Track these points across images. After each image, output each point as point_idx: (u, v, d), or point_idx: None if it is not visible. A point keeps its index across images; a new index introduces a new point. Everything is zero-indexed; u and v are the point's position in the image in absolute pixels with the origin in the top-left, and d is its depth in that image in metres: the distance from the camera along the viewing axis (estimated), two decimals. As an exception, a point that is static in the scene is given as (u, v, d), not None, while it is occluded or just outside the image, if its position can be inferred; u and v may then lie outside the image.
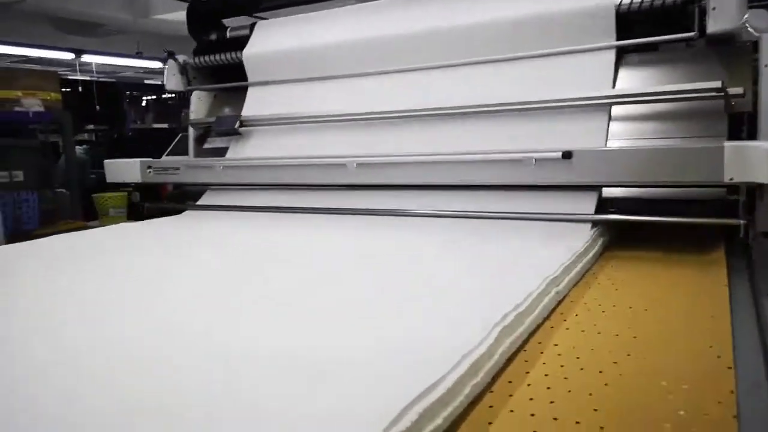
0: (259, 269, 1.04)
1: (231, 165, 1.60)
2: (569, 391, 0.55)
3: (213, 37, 1.87)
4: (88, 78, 7.66)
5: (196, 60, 1.86)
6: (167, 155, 1.87)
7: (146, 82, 9.11)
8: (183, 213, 1.69)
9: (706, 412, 0.49)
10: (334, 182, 1.45)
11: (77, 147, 5.67)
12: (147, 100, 9.47)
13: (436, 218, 1.27)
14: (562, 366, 0.60)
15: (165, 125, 8.16)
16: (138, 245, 1.30)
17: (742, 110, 1.14)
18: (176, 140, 1.93)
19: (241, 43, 1.79)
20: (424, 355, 0.57)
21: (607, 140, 1.21)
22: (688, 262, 1.01)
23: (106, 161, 1.91)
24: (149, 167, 1.73)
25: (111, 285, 0.95)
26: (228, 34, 1.85)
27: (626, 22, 1.26)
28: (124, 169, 1.80)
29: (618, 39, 1.28)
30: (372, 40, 1.55)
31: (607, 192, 1.16)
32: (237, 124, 1.68)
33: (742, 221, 1.02)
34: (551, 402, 0.53)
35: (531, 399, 0.54)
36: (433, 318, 0.71)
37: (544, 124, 1.26)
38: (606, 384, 0.56)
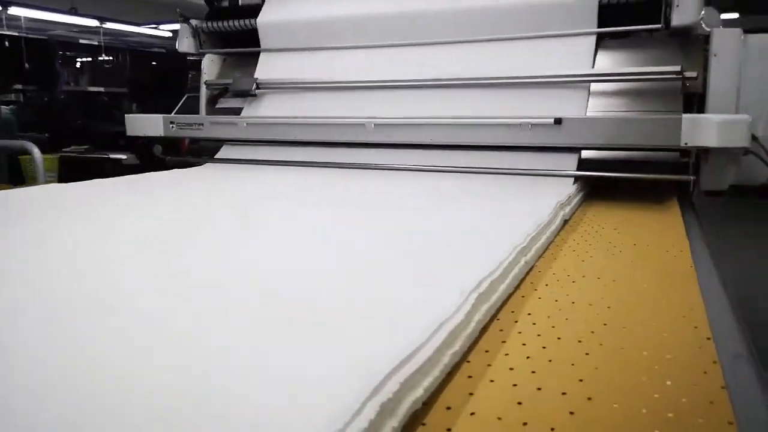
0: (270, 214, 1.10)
1: (255, 122, 1.76)
2: (550, 361, 0.52)
3: (225, 3, 2.02)
4: (16, 34, 7.14)
5: (208, 25, 1.96)
6: (176, 113, 1.96)
7: (81, 41, 8.57)
8: (203, 165, 1.82)
9: (693, 382, 0.47)
10: (353, 140, 1.62)
11: (2, 106, 5.30)
12: (82, 61, 8.95)
13: (446, 173, 1.49)
14: (538, 335, 0.57)
15: (101, 89, 7.75)
16: (176, 191, 1.42)
17: (695, 91, 1.40)
18: (183, 100, 2.05)
19: (252, 10, 1.90)
20: (400, 322, 0.52)
21: (586, 111, 1.44)
22: (649, 232, 1.01)
23: (127, 115, 1.99)
24: (172, 122, 1.85)
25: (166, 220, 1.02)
26: (240, 2, 2.01)
27: (606, 12, 1.51)
28: (146, 123, 1.91)
29: (599, 27, 1.52)
30: (381, 15, 1.73)
31: (585, 154, 1.40)
32: (254, 86, 1.82)
33: (692, 177, 1.30)
34: (533, 372, 0.49)
35: (511, 369, 0.50)
36: (412, 278, 0.69)
37: (536, 95, 1.50)
38: (587, 353, 0.53)
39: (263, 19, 1.87)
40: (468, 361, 0.52)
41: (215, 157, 1.85)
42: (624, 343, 0.55)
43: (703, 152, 1.31)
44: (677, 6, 1.40)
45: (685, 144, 1.25)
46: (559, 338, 0.57)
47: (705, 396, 0.45)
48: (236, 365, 0.45)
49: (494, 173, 1.44)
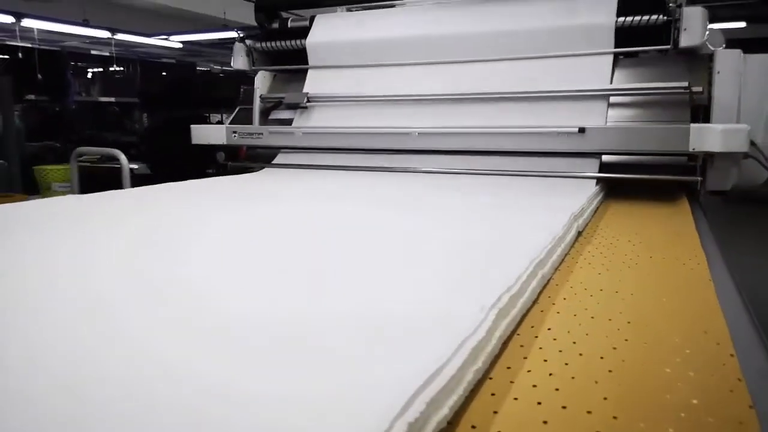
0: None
1: (311, 132, 1.97)
2: (573, 378, 0.51)
3: (275, 25, 2.24)
4: (29, 45, 7.23)
5: (261, 45, 2.21)
6: (229, 123, 2.15)
7: (93, 52, 8.68)
8: (263, 170, 1.99)
9: (719, 401, 0.47)
10: (399, 147, 1.83)
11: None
12: (93, 71, 9.04)
13: (483, 175, 1.69)
14: (560, 351, 0.57)
15: (112, 99, 7.82)
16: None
17: (700, 103, 1.57)
18: (235, 112, 2.22)
19: (299, 32, 2.13)
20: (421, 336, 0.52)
21: (606, 121, 1.63)
22: (664, 243, 1.00)
23: (193, 126, 2.16)
24: (234, 132, 2.05)
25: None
26: (289, 24, 2.22)
27: (622, 34, 1.69)
28: (210, 133, 2.12)
29: (615, 47, 1.70)
30: (416, 37, 1.94)
31: (606, 158, 1.59)
32: (305, 100, 2.02)
33: (699, 178, 1.49)
34: (556, 389, 0.49)
35: (534, 386, 0.50)
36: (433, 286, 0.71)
37: (562, 107, 1.68)
38: (610, 371, 0.52)
39: (312, 40, 2.09)
40: (491, 378, 0.51)
41: (273, 162, 2.04)
42: (646, 359, 0.55)
43: (709, 156, 1.49)
44: (685, 29, 1.58)
45: (693, 149, 1.45)
46: (580, 354, 0.56)
47: (733, 416, 0.44)
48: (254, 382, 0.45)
49: (524, 175, 1.63)
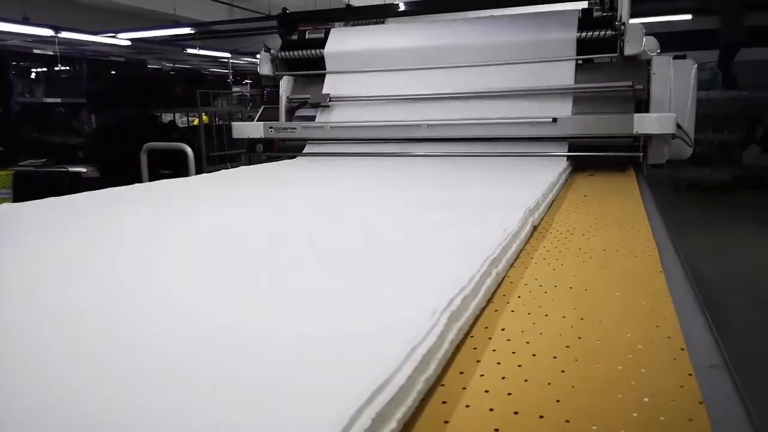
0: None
1: (338, 125, 2.34)
2: (526, 381, 0.50)
3: (294, 37, 2.61)
4: (-35, 44, 6.89)
5: (283, 54, 2.57)
6: (257, 121, 2.50)
7: (36, 51, 8.32)
8: (295, 158, 2.35)
9: (671, 397, 0.46)
10: (410, 136, 2.21)
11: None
12: (37, 71, 8.69)
13: (477, 157, 2.07)
14: (513, 353, 0.56)
15: (58, 99, 7.53)
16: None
17: (641, 97, 2.04)
18: (261, 110, 2.61)
19: (316, 43, 2.50)
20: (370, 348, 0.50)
21: (572, 112, 2.06)
22: (617, 236, 1.01)
23: (234, 123, 2.53)
24: (271, 128, 2.41)
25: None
26: (307, 36, 2.59)
27: (581, 45, 2.15)
28: (250, 128, 2.46)
29: (577, 55, 2.15)
30: (418, 47, 2.36)
31: (572, 142, 2.02)
32: (327, 99, 2.39)
33: (641, 154, 1.95)
34: (509, 394, 0.48)
35: (486, 391, 0.49)
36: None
37: (538, 102, 2.12)
38: (563, 371, 0.52)
39: (329, 50, 2.47)
40: (443, 385, 0.50)
41: (303, 152, 2.40)
42: (599, 357, 0.54)
43: (648, 137, 1.96)
44: (628, 41, 2.03)
45: (636, 132, 1.91)
46: (534, 355, 0.55)
47: (683, 413, 0.44)
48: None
49: (511, 156, 2.04)
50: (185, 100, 5.79)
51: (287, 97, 2.53)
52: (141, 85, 5.65)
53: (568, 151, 1.99)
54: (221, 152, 6.08)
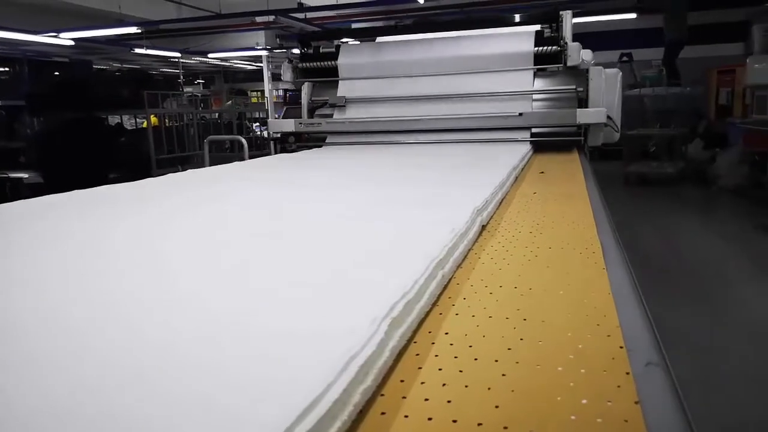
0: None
1: (355, 121, 2.97)
2: (466, 386, 0.49)
3: (310, 51, 3.20)
4: None
5: (303, 64, 3.17)
6: (281, 118, 3.28)
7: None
8: (323, 148, 2.95)
9: (608, 398, 0.46)
10: (411, 129, 2.84)
11: None
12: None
13: (461, 144, 2.71)
14: (455, 357, 0.55)
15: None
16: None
17: (582, 97, 2.69)
18: (284, 110, 3.57)
19: (328, 56, 3.12)
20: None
21: (532, 108, 2.74)
22: (564, 233, 1.02)
23: (269, 120, 3.47)
24: (300, 123, 3.05)
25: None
26: (321, 50, 3.21)
27: (537, 58, 2.80)
28: (284, 124, 3.14)
29: (534, 65, 2.80)
30: (414, 60, 2.99)
31: (534, 130, 2.68)
32: (344, 101, 3.01)
33: (582, 138, 2.60)
34: (448, 401, 0.47)
35: (426, 400, 0.48)
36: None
37: (507, 101, 2.77)
38: (503, 375, 0.51)
39: (341, 61, 3.09)
40: (382, 395, 0.49)
41: (326, 142, 3.04)
42: (540, 359, 0.54)
43: (587, 126, 2.65)
44: (569, 56, 2.65)
45: (579, 123, 2.60)
46: (476, 359, 0.55)
47: (619, 414, 0.44)
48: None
49: (488, 142, 2.68)
50: (132, 101, 5.61)
51: (311, 99, 3.17)
52: (85, 86, 5.44)
53: (531, 137, 2.66)
54: (171, 155, 5.91)
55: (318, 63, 3.13)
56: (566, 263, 0.86)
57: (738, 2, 8.65)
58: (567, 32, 2.70)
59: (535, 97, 2.77)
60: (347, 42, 3.58)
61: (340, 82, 3.10)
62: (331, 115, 3.05)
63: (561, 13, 2.75)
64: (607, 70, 2.71)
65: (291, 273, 0.75)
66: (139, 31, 6.55)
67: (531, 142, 2.60)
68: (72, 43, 7.82)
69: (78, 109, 4.73)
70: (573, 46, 2.64)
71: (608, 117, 2.61)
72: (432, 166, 1.91)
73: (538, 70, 2.81)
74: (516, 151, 2.13)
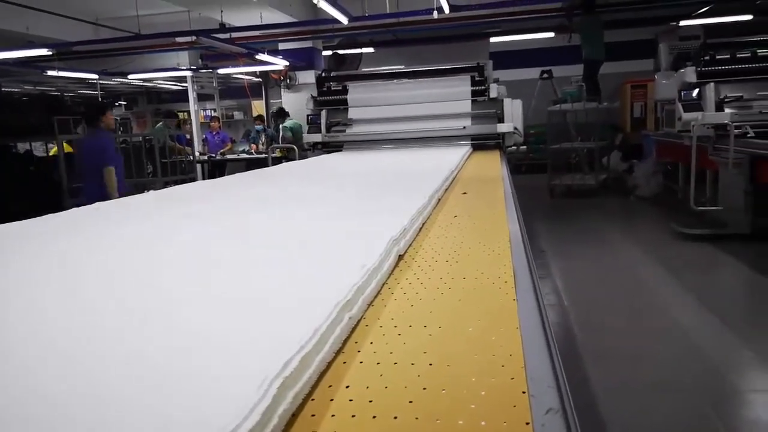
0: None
1: (365, 132, 4.86)
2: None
3: (325, 88, 5.05)
4: None
5: (320, 98, 5.03)
6: (307, 133, 5.06)
7: None
8: (342, 152, 4.79)
9: (505, 453, 0.45)
10: (394, 138, 4.78)
11: None
12: None
13: (425, 147, 4.53)
14: (353, 416, 0.52)
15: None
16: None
17: (500, 116, 4.69)
18: (308, 127, 5.02)
19: (340, 91, 4.99)
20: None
21: (471, 124, 4.67)
22: (480, 260, 1.01)
23: (305, 134, 5.11)
24: (325, 135, 4.91)
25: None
26: (332, 87, 5.08)
27: (473, 92, 4.76)
28: (315, 137, 4.97)
29: (471, 96, 4.76)
30: (396, 95, 4.93)
31: (472, 138, 4.69)
32: (351, 122, 4.87)
33: (501, 140, 4.66)
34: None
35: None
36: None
37: (454, 120, 4.67)
38: (399, 435, 0.49)
39: (351, 96, 4.93)
40: (313, 399, 0.45)
41: (344, 148, 4.84)
42: (440, 412, 0.52)
43: (503, 135, 4.63)
44: (491, 91, 4.70)
45: (498, 133, 4.63)
46: (374, 417, 0.52)
47: (514, 474, 0.42)
48: None
49: (440, 146, 4.48)
50: (41, 127, 5.28)
51: (329, 121, 4.94)
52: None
53: (471, 141, 4.56)
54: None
55: (336, 97, 4.96)
56: (478, 295, 0.85)
57: (646, 21, 9.22)
58: (489, 75, 4.78)
59: (472, 116, 4.68)
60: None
61: (350, 109, 4.93)
62: (343, 131, 4.94)
63: (483, 64, 4.79)
64: (514, 100, 4.69)
65: (179, 323, 0.70)
66: (50, 53, 6.22)
67: (471, 144, 4.50)
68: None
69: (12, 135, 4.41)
70: (493, 86, 4.71)
71: (515, 128, 4.61)
72: (363, 183, 2.43)
73: (473, 100, 4.71)
74: (461, 151, 3.82)
